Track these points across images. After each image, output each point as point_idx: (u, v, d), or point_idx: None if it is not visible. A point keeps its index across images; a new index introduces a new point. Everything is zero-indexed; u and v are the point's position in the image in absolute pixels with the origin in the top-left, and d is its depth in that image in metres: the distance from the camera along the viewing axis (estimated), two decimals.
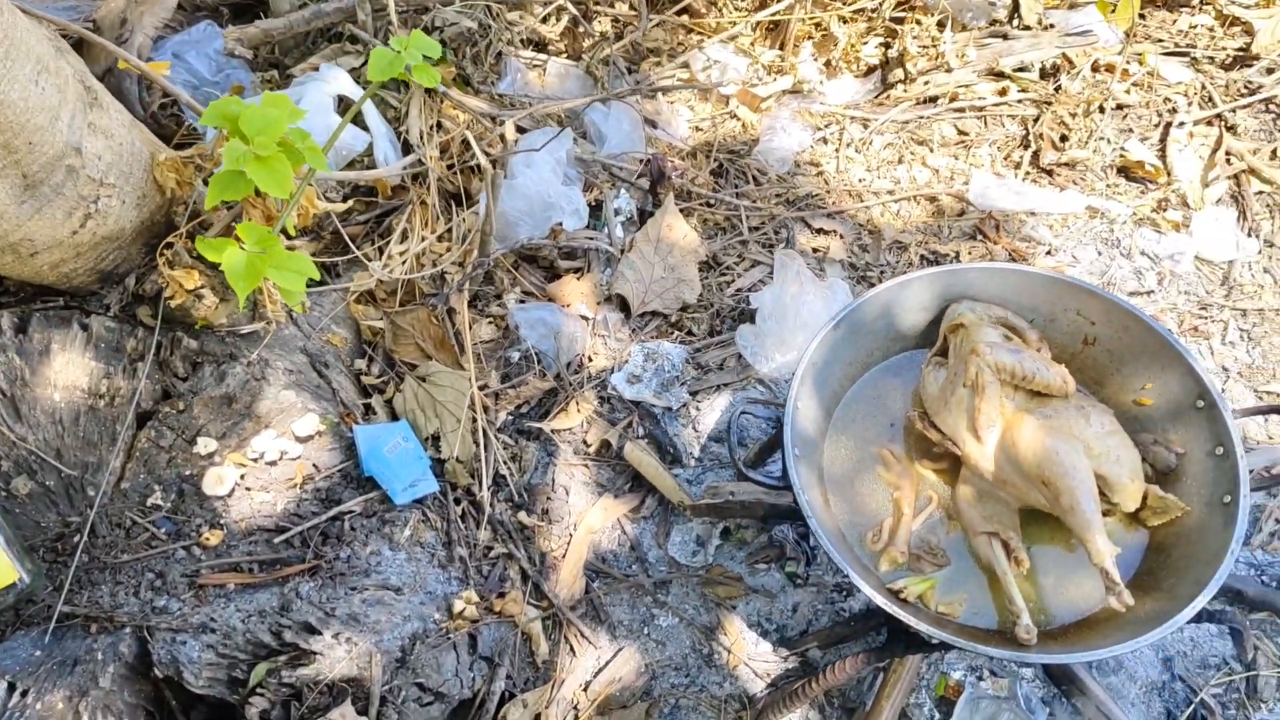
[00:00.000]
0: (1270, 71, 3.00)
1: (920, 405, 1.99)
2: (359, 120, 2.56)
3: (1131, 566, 1.85)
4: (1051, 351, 2.05)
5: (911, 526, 1.89)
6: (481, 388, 2.37)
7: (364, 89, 2.54)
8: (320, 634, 1.93)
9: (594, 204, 2.67)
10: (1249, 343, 2.47)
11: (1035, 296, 2.04)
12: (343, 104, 2.59)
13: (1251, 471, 1.89)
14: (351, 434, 2.19)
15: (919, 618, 1.75)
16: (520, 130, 2.66)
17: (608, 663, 2.05)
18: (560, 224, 2.48)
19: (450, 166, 2.56)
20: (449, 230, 2.53)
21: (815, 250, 2.66)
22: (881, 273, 2.61)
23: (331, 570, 2.04)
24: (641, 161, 2.70)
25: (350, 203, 2.29)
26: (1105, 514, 1.85)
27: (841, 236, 2.69)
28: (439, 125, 2.64)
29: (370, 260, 2.44)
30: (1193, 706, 1.97)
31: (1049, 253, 2.64)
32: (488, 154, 2.54)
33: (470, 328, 2.47)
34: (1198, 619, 1.76)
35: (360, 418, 2.26)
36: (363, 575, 2.05)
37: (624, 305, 2.52)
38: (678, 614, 2.10)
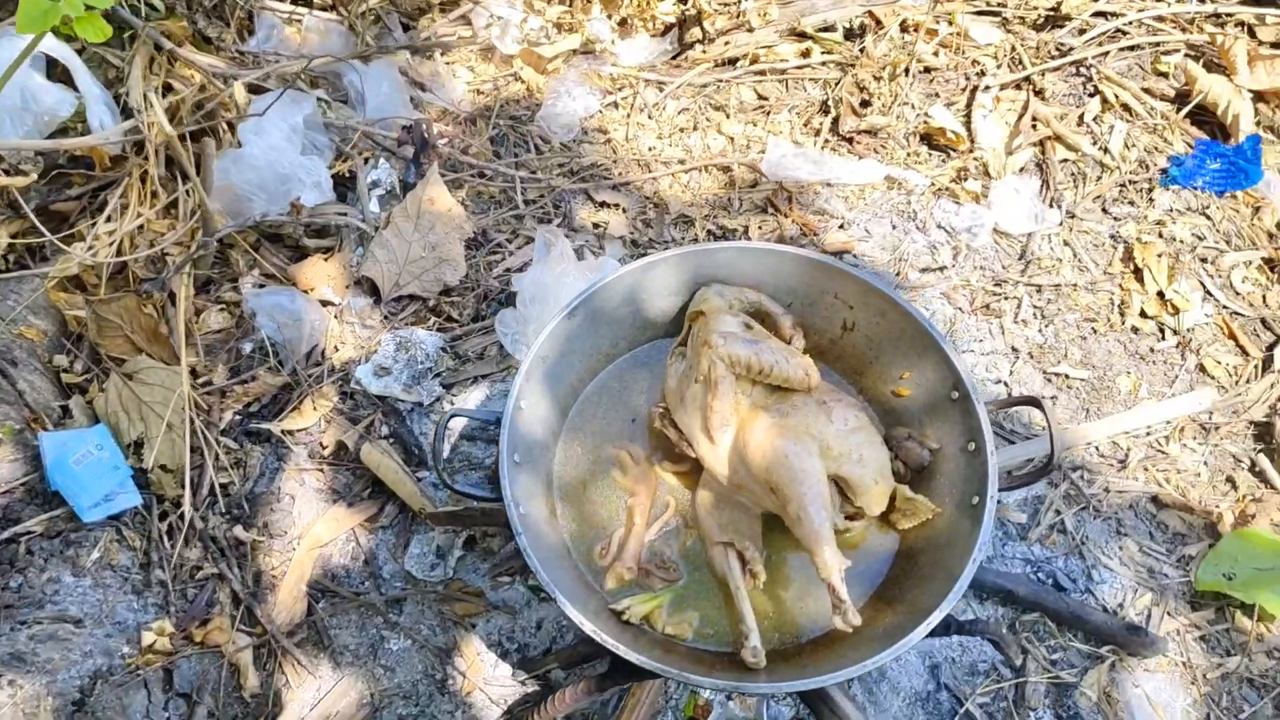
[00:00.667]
0: (1081, 33, 2.88)
1: (664, 400, 1.80)
2: (72, 81, 2.25)
3: (878, 576, 1.71)
4: (810, 338, 1.89)
5: (644, 537, 1.70)
6: (204, 385, 2.11)
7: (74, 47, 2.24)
8: None
9: (349, 175, 2.41)
10: (1042, 321, 2.35)
11: (792, 278, 1.87)
12: (58, 67, 2.28)
13: (1009, 472, 1.75)
14: (38, 442, 1.92)
15: (638, 641, 1.57)
16: (260, 91, 2.38)
17: (326, 695, 1.83)
18: (299, 198, 2.22)
19: (183, 136, 2.27)
20: (174, 205, 2.25)
21: (595, 226, 2.45)
22: (664, 248, 2.41)
23: None
24: (403, 128, 2.45)
25: (32, 176, 1.99)
26: (851, 518, 1.69)
27: (624, 210, 2.48)
28: (168, 87, 2.35)
29: (80, 240, 2.15)
30: (958, 718, 1.84)
31: (841, 226, 2.48)
32: (215, 119, 2.26)
33: (197, 317, 2.20)
34: (945, 632, 1.63)
35: (54, 423, 1.98)
36: (34, 607, 1.79)
37: (375, 289, 2.27)
38: (411, 635, 1.89)
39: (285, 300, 2.19)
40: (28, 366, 2.02)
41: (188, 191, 2.22)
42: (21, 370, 2.00)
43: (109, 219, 2.12)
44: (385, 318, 2.26)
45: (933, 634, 1.59)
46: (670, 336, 1.91)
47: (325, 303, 2.25)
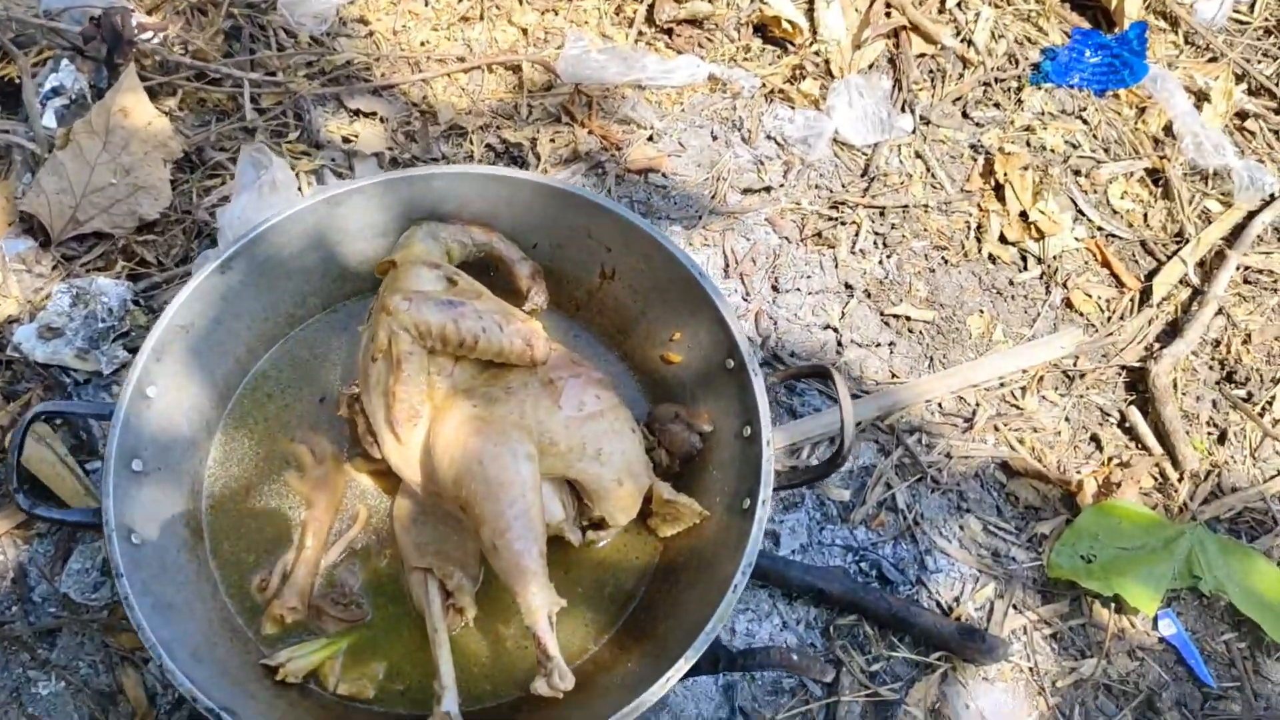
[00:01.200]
0: None
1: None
2: None
3: (627, 602, 1.33)
4: (562, 290, 1.48)
5: (319, 563, 1.30)
6: None
7: None
8: None
9: (16, 81, 1.90)
10: (883, 250, 1.96)
11: (535, 213, 1.44)
12: None
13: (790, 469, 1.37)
14: None
15: (295, 711, 1.18)
16: None
17: None
18: None
19: None
20: None
21: (346, 140, 1.98)
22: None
23: None
24: (91, 19, 1.93)
25: None
26: (595, 528, 1.30)
27: (384, 120, 2.02)
28: None
29: None
30: None
31: (651, 138, 2.05)
32: None
33: None
34: (714, 669, 1.26)
35: None
36: None
37: (44, 228, 1.79)
38: (66, 676, 1.48)
39: None
40: None
41: None
42: None
43: None
44: (60, 263, 1.79)
45: (696, 674, 1.23)
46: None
47: None
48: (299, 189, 1.80)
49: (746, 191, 2.00)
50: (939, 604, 1.63)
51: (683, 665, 1.13)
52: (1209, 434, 1.80)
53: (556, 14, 2.22)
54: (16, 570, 1.56)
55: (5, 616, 1.53)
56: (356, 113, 2.03)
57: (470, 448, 1.16)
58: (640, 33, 2.20)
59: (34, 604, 1.54)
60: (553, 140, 2.02)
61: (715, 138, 2.07)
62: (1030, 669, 1.59)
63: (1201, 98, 2.19)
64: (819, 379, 1.50)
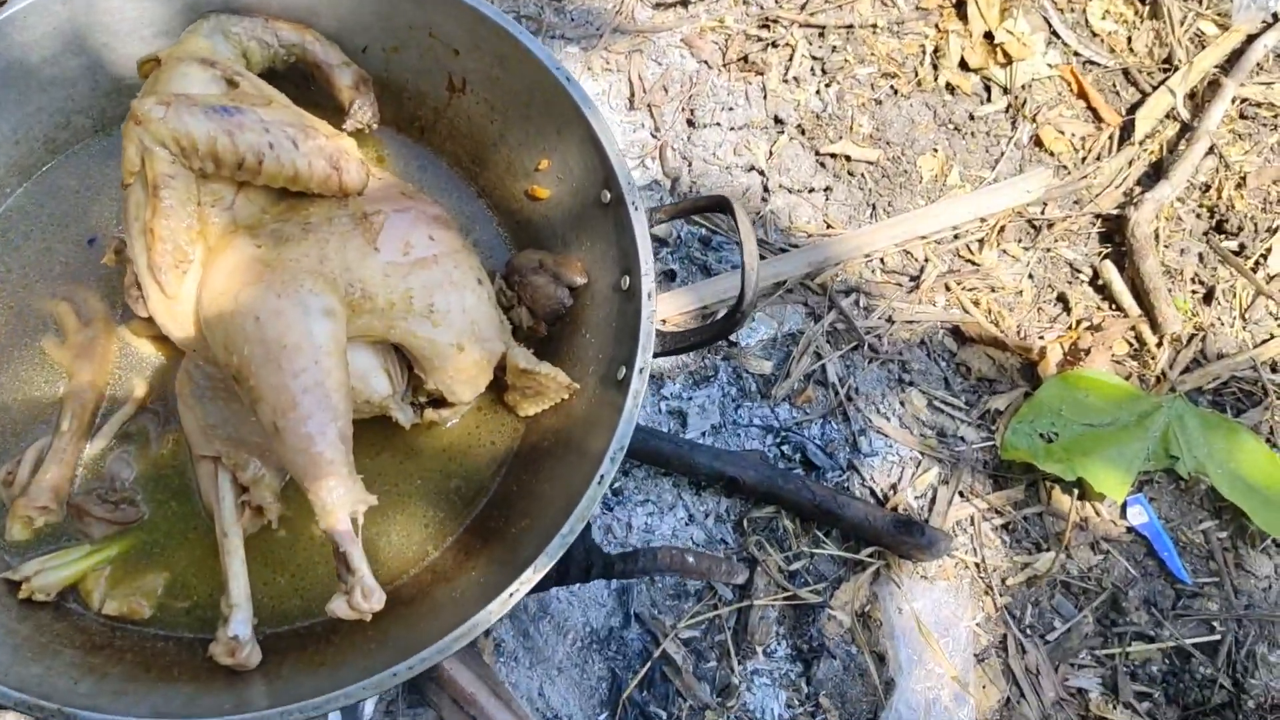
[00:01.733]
0: None
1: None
2: None
3: (477, 493, 1.07)
4: (402, 106, 1.17)
5: (81, 452, 1.02)
6: None
7: None
8: None
9: None
10: (822, 78, 1.65)
11: (362, 7, 1.12)
12: None
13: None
14: None
15: (43, 635, 0.93)
16: None
17: None
18: None
19: None
20: None
21: None
22: None
23: None
24: None
25: None
26: (438, 405, 1.04)
27: None
28: None
29: None
30: (649, 664, 1.27)
31: None
32: None
33: None
34: (585, 578, 1.02)
35: None
36: None
37: None
38: None
39: None
40: None
41: None
42: None
43: None
44: None
45: (563, 583, 0.99)
46: None
47: None
48: None
49: (659, 6, 1.67)
50: (873, 492, 1.39)
51: (531, 576, 0.88)
52: (1193, 292, 1.55)
53: None
54: None
55: None
56: None
57: (244, 300, 0.88)
58: None
59: None
60: None
61: None
62: (976, 564, 1.36)
63: None
64: (719, 212, 1.22)
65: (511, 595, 0.87)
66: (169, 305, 0.95)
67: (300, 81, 1.12)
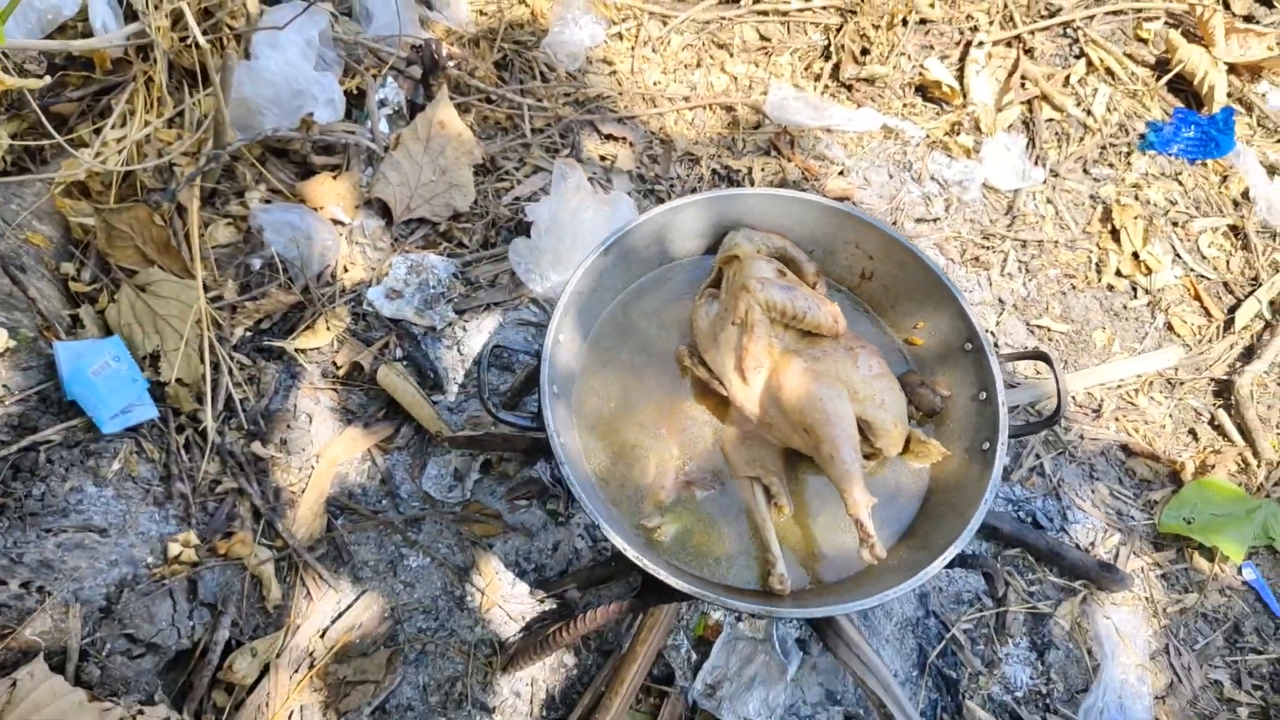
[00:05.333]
0: None
1: (693, 339, 1.86)
2: None
3: (910, 516, 1.82)
4: (830, 285, 1.97)
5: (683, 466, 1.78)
6: (214, 300, 2.10)
7: None
8: (4, 584, 1.68)
9: (356, 93, 2.38)
10: (1026, 275, 2.47)
11: (815, 227, 1.93)
12: None
13: (1013, 412, 1.87)
14: (52, 351, 1.89)
15: (674, 564, 1.66)
16: (269, 2, 2.32)
17: (348, 607, 1.88)
18: (311, 114, 2.19)
19: (185, 40, 2.20)
20: (180, 115, 2.19)
21: (602, 158, 2.47)
22: (671, 186, 2.45)
23: (21, 510, 1.77)
24: (413, 47, 2.41)
25: (46, 78, 1.92)
26: (869, 457, 1.79)
27: (631, 144, 2.51)
28: None
29: (84, 145, 2.09)
30: (944, 642, 1.99)
31: (841, 173, 2.55)
32: (230, 28, 2.20)
33: (204, 230, 2.17)
34: (950, 565, 1.75)
35: (65, 332, 1.95)
36: (59, 515, 1.79)
37: (385, 211, 2.27)
38: (430, 554, 1.95)
39: (295, 218, 2.17)
40: (36, 274, 1.98)
41: (196, 101, 2.17)
42: (30, 276, 1.96)
43: (113, 125, 2.07)
44: (395, 240, 2.26)
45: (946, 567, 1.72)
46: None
47: (336, 222, 2.24)
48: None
49: (919, 220, 2.51)
50: (1078, 546, 2.13)
51: (950, 552, 1.61)
52: (1278, 433, 2.32)
53: (758, 66, 2.72)
54: (385, 473, 2.03)
55: (380, 508, 2.00)
56: (609, 136, 2.52)
57: (812, 390, 1.65)
58: (826, 86, 2.71)
59: (401, 499, 2.01)
60: (763, 169, 2.52)
61: (891, 175, 2.58)
62: (1147, 599, 2.09)
63: (1272, 170, 2.72)
64: (1037, 359, 1.99)
65: (935, 566, 1.61)
66: (747, 391, 1.72)
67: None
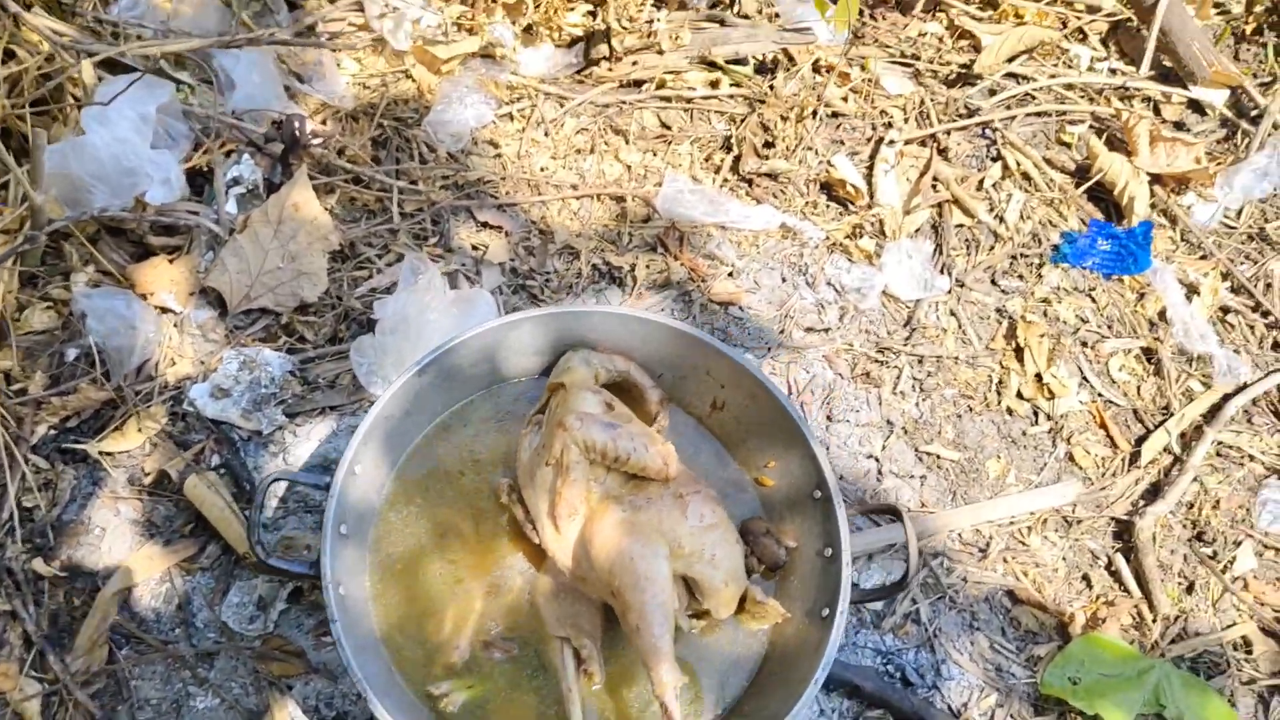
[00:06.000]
0: (992, 93, 2.84)
1: (515, 472, 1.69)
2: None
3: (737, 689, 1.63)
4: (680, 414, 1.80)
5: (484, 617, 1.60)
6: (18, 393, 1.91)
7: None
8: None
9: (207, 170, 2.22)
10: (920, 394, 2.31)
11: (664, 349, 1.77)
12: None
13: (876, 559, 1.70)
14: None
15: None
16: (117, 68, 2.16)
17: None
18: (144, 194, 2.02)
19: (17, 109, 2.04)
20: (4, 187, 2.03)
21: (475, 248, 2.31)
22: (546, 281, 2.29)
23: None
24: (273, 122, 2.26)
25: None
26: (697, 617, 1.61)
27: (508, 234, 2.35)
28: (9, 54, 2.11)
29: None
30: None
31: (731, 274, 2.39)
32: (75, 99, 2.05)
33: (19, 313, 2.00)
34: None
35: None
36: None
37: (221, 300, 2.09)
38: (220, 694, 1.75)
39: (120, 304, 2.00)
40: None
41: (21, 176, 2.00)
42: None
43: None
44: (230, 332, 2.09)
45: None
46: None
47: (164, 310, 2.07)
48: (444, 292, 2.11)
49: (809, 330, 2.34)
50: (949, 708, 1.94)
51: None
52: (1179, 584, 2.15)
53: (655, 155, 2.58)
54: (183, 597, 1.84)
55: (171, 638, 1.80)
56: (485, 224, 2.35)
57: (623, 547, 1.47)
58: (725, 179, 2.56)
59: (196, 629, 1.82)
60: (648, 267, 2.36)
61: (784, 279, 2.42)
62: None
63: (1192, 290, 2.57)
64: (888, 514, 1.82)
65: None
66: (559, 539, 1.54)
67: (620, 390, 1.76)
